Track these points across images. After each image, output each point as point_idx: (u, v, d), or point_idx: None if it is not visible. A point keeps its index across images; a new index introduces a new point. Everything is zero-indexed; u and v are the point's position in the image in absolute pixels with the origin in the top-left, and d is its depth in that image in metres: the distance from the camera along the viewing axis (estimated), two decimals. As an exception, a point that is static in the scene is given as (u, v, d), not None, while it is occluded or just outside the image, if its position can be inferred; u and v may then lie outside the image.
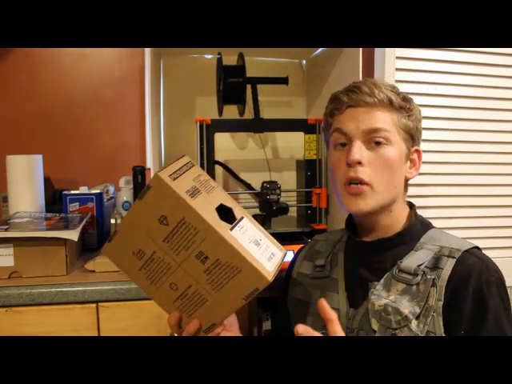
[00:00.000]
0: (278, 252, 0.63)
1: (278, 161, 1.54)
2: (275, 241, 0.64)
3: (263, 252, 0.60)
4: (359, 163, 0.70)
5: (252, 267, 0.57)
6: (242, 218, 0.62)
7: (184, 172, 0.60)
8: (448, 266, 0.67)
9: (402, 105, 0.73)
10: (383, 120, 0.71)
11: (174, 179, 0.57)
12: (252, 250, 0.58)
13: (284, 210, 1.18)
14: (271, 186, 1.17)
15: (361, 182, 0.70)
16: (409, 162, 0.75)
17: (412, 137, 0.74)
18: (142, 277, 0.64)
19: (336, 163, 0.74)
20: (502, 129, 1.60)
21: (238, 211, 0.63)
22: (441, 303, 0.65)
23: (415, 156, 0.76)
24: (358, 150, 0.70)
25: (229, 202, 0.63)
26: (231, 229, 0.58)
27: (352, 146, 0.71)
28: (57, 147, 1.49)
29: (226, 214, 0.61)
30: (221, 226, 0.57)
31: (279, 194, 1.18)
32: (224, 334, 0.70)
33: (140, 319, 0.94)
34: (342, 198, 0.73)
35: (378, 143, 0.71)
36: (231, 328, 0.73)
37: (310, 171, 1.27)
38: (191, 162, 0.63)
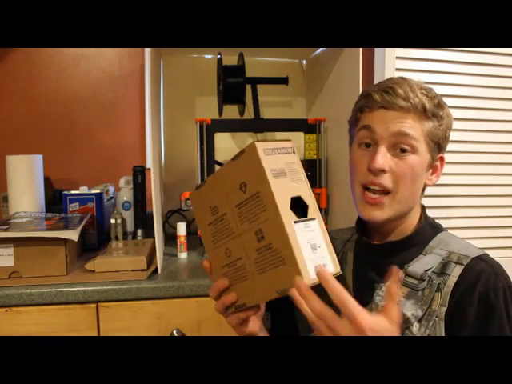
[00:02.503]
0: (330, 266, 0.59)
1: (278, 161, 1.53)
2: (335, 256, 0.61)
3: (315, 259, 0.57)
4: (382, 171, 0.68)
5: (295, 265, 0.55)
6: (314, 218, 0.60)
7: (280, 153, 0.60)
8: (455, 272, 0.66)
9: (435, 112, 0.70)
10: (414, 127, 0.69)
11: (267, 154, 0.58)
12: (305, 250, 0.56)
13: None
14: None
15: (382, 191, 0.69)
16: (431, 169, 0.73)
17: (439, 146, 0.72)
18: (208, 232, 0.67)
19: (358, 163, 0.72)
20: (503, 129, 1.60)
21: (313, 211, 0.60)
22: (444, 309, 0.65)
23: (438, 163, 0.74)
24: (383, 157, 0.68)
25: (308, 199, 0.60)
26: (296, 222, 0.57)
27: (377, 151, 0.69)
28: (57, 147, 1.49)
29: (302, 208, 0.59)
30: (287, 214, 0.56)
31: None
32: (252, 322, 0.68)
33: (140, 319, 0.94)
34: (358, 203, 0.72)
35: (403, 150, 0.69)
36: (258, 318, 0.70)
37: (310, 171, 1.27)
38: (293, 149, 0.62)
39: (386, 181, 0.68)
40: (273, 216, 0.56)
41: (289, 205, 0.57)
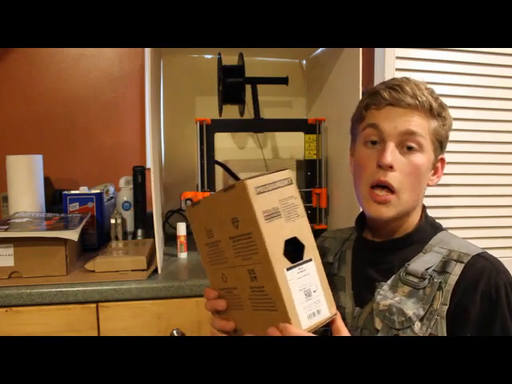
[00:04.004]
0: (325, 311, 0.58)
1: (278, 161, 1.54)
2: (331, 298, 0.59)
3: (309, 306, 0.56)
4: (391, 167, 0.68)
5: (286, 316, 0.54)
6: (310, 260, 0.58)
7: (275, 188, 0.56)
8: (456, 270, 0.66)
9: (440, 112, 0.71)
10: (421, 125, 0.69)
11: (259, 193, 0.54)
12: (297, 299, 0.55)
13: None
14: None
15: (388, 188, 0.69)
16: (433, 169, 0.74)
17: (441, 146, 0.73)
18: (205, 252, 0.65)
19: (365, 162, 0.72)
20: (503, 129, 1.60)
21: (309, 251, 0.58)
22: (445, 307, 0.65)
23: (439, 164, 0.75)
24: (392, 154, 0.68)
25: (305, 239, 0.58)
26: (289, 268, 0.55)
27: (386, 147, 0.69)
28: (57, 147, 1.49)
29: (297, 250, 0.57)
30: (279, 261, 0.54)
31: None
32: None
33: (140, 319, 0.94)
34: (364, 201, 0.72)
35: (410, 148, 0.69)
36: None
37: (310, 171, 1.28)
38: (290, 180, 0.58)
39: (393, 180, 0.69)
40: (264, 262, 0.54)
41: (282, 250, 0.55)
